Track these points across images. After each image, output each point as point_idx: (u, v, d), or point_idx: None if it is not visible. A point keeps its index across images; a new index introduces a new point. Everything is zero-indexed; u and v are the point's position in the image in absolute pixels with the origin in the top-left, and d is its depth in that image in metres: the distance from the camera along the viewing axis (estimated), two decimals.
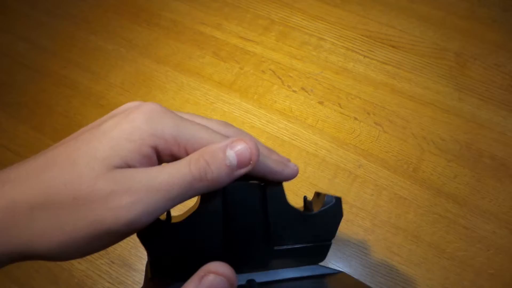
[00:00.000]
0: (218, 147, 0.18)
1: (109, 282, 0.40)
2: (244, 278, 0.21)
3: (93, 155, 0.16)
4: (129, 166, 0.17)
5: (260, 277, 0.22)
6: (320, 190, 0.25)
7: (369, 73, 0.54)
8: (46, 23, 0.62)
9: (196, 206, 0.21)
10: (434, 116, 0.50)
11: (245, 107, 0.52)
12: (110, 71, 0.56)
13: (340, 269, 0.26)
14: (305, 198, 0.25)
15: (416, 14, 0.58)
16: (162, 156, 0.19)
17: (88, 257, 0.42)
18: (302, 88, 0.53)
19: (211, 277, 0.15)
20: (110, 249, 0.42)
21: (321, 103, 0.52)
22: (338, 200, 0.24)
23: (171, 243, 0.20)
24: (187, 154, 0.19)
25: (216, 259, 0.20)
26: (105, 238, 0.17)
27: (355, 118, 0.50)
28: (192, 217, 0.20)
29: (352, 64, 0.55)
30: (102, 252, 0.42)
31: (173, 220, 0.21)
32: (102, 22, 0.61)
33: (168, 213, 0.21)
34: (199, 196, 0.21)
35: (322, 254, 0.25)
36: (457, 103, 0.51)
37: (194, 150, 0.18)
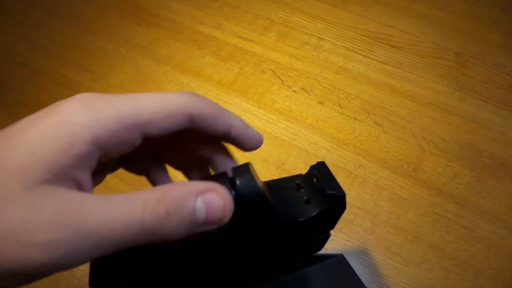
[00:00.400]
0: (188, 193, 0.14)
1: None
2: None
3: (3, 167, 0.12)
4: (59, 177, 0.13)
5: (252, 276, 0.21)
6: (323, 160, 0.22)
7: (369, 73, 0.54)
8: (46, 23, 0.62)
9: None
10: (434, 116, 0.50)
11: (245, 107, 0.52)
12: (110, 71, 0.56)
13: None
14: (300, 186, 0.22)
15: (416, 14, 0.58)
16: (111, 151, 0.15)
17: None
18: (302, 88, 0.53)
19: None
20: None
21: (321, 103, 0.52)
22: (342, 198, 0.21)
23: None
24: (143, 136, 0.15)
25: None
26: (11, 281, 0.12)
27: (355, 118, 0.50)
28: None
29: (352, 64, 0.55)
30: None
31: None
32: (102, 22, 0.61)
33: None
34: None
35: (320, 245, 0.24)
36: (457, 103, 0.51)
37: (152, 125, 0.15)
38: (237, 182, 0.17)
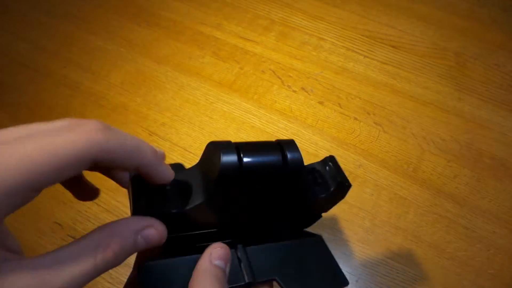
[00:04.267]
0: (128, 235, 0.17)
1: (109, 282, 0.40)
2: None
3: None
4: None
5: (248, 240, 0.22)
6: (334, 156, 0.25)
7: (369, 73, 0.54)
8: (46, 23, 0.62)
9: (200, 191, 0.20)
10: (434, 116, 0.50)
11: (245, 107, 0.52)
12: (110, 71, 0.56)
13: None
14: (314, 168, 0.24)
15: (416, 14, 0.58)
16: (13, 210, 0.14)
17: None
18: (302, 88, 0.53)
19: (217, 249, 0.19)
20: None
21: (321, 103, 0.52)
22: (347, 187, 0.23)
23: (169, 228, 0.19)
24: (40, 191, 0.14)
25: (214, 232, 0.21)
26: None
27: (355, 118, 0.50)
28: (203, 206, 0.19)
29: (352, 64, 0.55)
30: None
31: (174, 202, 0.19)
32: (102, 22, 0.61)
33: (166, 191, 0.20)
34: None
35: (309, 223, 0.25)
36: (457, 103, 0.51)
37: (48, 180, 0.14)
38: (287, 154, 0.21)
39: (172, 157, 0.48)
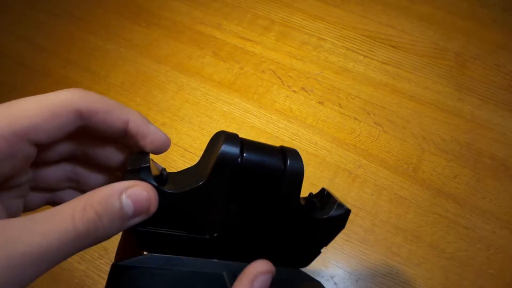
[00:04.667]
0: (112, 194, 0.15)
1: None
2: (223, 265, 0.20)
3: None
4: None
5: (239, 268, 0.20)
6: (327, 188, 0.24)
7: (369, 73, 0.54)
8: (46, 23, 0.62)
9: (199, 175, 0.19)
10: (434, 116, 0.50)
11: (245, 107, 0.52)
12: (110, 71, 0.56)
13: (331, 273, 0.25)
14: (310, 195, 0.23)
15: (416, 14, 0.58)
16: (3, 170, 0.14)
17: (88, 257, 0.42)
18: (302, 88, 0.53)
19: (261, 277, 0.16)
20: (110, 249, 0.42)
21: (321, 103, 0.52)
22: (348, 212, 0.22)
23: (159, 214, 0.18)
24: (33, 143, 0.14)
25: (203, 239, 0.20)
26: None
27: (355, 118, 0.50)
28: (192, 191, 0.18)
29: (352, 64, 0.55)
30: (102, 252, 0.42)
31: (169, 185, 0.18)
32: (102, 22, 0.61)
33: (164, 174, 0.18)
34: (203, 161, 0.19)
35: (308, 261, 0.23)
36: (457, 103, 0.51)
37: (37, 130, 0.14)
38: (289, 160, 0.20)
39: (172, 157, 0.48)
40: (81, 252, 0.43)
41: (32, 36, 0.60)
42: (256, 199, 0.20)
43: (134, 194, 0.15)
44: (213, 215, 0.19)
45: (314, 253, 0.23)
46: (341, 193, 0.45)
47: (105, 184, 0.17)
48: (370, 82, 0.53)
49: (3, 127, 0.13)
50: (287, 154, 0.20)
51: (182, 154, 0.48)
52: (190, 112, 0.51)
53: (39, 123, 0.14)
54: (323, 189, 0.24)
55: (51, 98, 0.15)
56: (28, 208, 0.19)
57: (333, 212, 0.21)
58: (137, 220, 0.15)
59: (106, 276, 0.40)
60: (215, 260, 0.20)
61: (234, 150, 0.18)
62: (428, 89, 0.52)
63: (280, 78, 0.54)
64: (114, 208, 0.14)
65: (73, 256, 0.42)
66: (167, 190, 0.18)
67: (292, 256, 0.23)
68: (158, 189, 0.17)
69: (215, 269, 0.20)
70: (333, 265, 0.41)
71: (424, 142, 0.48)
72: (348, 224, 0.43)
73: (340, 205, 0.22)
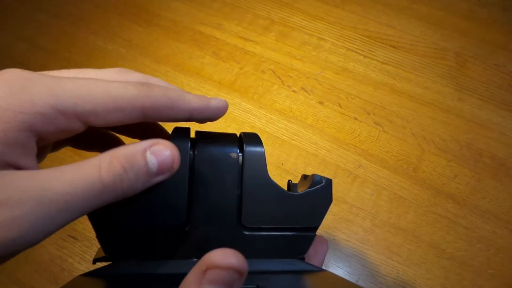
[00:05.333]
0: (136, 150, 0.15)
1: None
2: None
3: None
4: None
5: None
6: (307, 174, 0.23)
7: (369, 73, 0.54)
8: (46, 23, 0.62)
9: None
10: (434, 116, 0.50)
11: (245, 107, 0.52)
12: None
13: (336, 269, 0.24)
14: (289, 182, 0.22)
15: (416, 14, 0.58)
16: (47, 138, 0.14)
17: (88, 257, 0.42)
18: (302, 88, 0.53)
19: (216, 272, 0.12)
20: None
21: (321, 103, 0.52)
22: (328, 182, 0.21)
23: (124, 216, 0.17)
24: (86, 125, 0.15)
25: (176, 238, 0.19)
26: None
27: (355, 118, 0.50)
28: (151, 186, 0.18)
29: (352, 64, 0.55)
30: None
31: None
32: (102, 22, 0.61)
33: None
34: None
35: (303, 247, 0.21)
36: (457, 103, 0.51)
37: (96, 116, 0.14)
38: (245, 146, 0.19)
39: None
40: (81, 252, 0.43)
41: (32, 36, 0.60)
42: (219, 186, 0.19)
43: (157, 150, 0.15)
44: (176, 207, 0.18)
45: (309, 237, 0.21)
46: (341, 193, 0.45)
47: None
48: (370, 82, 0.53)
49: (67, 107, 0.14)
50: (244, 140, 0.20)
51: None
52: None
53: (102, 113, 0.15)
54: (303, 175, 0.23)
55: (119, 92, 0.15)
56: None
57: (313, 184, 0.21)
58: (161, 177, 0.16)
59: None
60: (195, 259, 0.19)
61: (183, 143, 0.19)
62: (428, 89, 0.52)
63: (280, 78, 0.54)
64: (140, 163, 0.15)
65: (73, 256, 0.42)
66: None
67: (285, 244, 0.21)
68: None
69: None
70: (333, 265, 0.41)
71: (424, 142, 0.48)
72: (348, 224, 0.42)
73: (319, 177, 0.21)
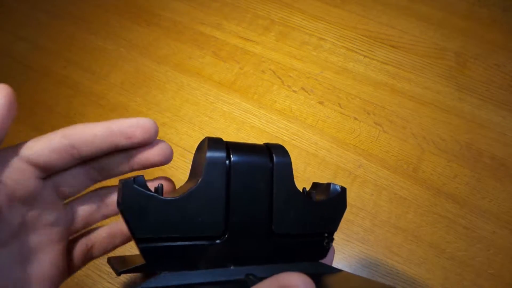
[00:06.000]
0: None
1: (109, 282, 0.40)
2: (242, 271, 0.19)
3: None
4: None
5: (259, 271, 0.20)
6: (317, 182, 0.24)
7: (369, 73, 0.54)
8: (46, 23, 0.62)
9: (193, 182, 0.19)
10: (434, 116, 0.50)
11: (245, 107, 0.52)
12: (110, 71, 0.56)
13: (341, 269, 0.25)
14: (304, 190, 0.23)
15: (416, 14, 0.58)
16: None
17: None
18: (302, 88, 0.53)
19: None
20: None
21: (321, 103, 0.52)
22: (344, 190, 0.23)
23: (161, 223, 0.18)
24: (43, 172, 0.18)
25: (214, 247, 0.19)
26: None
27: (355, 118, 0.50)
28: (191, 194, 0.18)
29: (352, 64, 0.55)
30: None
31: (165, 196, 0.18)
32: (102, 22, 0.61)
33: (160, 188, 0.19)
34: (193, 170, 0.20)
35: (323, 251, 0.23)
36: (457, 103, 0.51)
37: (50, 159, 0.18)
38: (275, 156, 0.21)
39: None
40: None
41: (32, 36, 0.60)
42: (253, 195, 0.20)
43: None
44: (215, 216, 0.19)
45: (328, 240, 0.23)
46: None
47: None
48: (370, 82, 0.53)
49: (24, 155, 0.18)
50: (273, 151, 0.21)
51: (182, 154, 0.48)
52: (190, 112, 0.51)
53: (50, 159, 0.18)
54: (313, 183, 0.25)
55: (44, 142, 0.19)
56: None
57: (331, 193, 0.22)
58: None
59: (106, 276, 0.41)
60: (232, 267, 0.20)
61: (220, 154, 0.19)
62: (428, 89, 0.52)
63: (280, 78, 0.54)
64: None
65: None
66: (165, 198, 0.18)
67: (308, 248, 0.22)
68: (156, 197, 0.18)
69: (234, 276, 0.19)
70: (333, 265, 0.41)
71: (424, 142, 0.48)
72: (348, 224, 0.42)
73: (334, 186, 0.22)
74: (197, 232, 0.19)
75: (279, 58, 0.56)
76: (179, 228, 0.18)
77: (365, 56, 0.55)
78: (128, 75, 0.55)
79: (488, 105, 0.50)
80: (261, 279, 0.18)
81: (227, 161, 0.19)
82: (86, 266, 0.42)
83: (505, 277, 0.40)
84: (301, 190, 0.23)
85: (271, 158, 0.21)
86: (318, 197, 0.23)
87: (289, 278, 0.13)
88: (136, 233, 0.17)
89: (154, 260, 0.18)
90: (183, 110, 0.52)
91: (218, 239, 0.19)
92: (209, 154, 0.19)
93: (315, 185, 0.25)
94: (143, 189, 0.17)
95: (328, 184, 0.23)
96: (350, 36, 0.57)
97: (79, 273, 0.41)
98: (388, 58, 0.55)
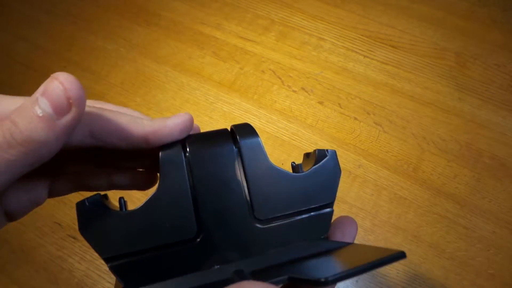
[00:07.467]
0: (30, 99, 0.14)
1: (109, 282, 0.40)
2: (229, 269, 0.18)
3: None
4: None
5: (250, 265, 0.18)
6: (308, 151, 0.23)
7: (369, 73, 0.54)
8: (46, 23, 0.62)
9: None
10: (434, 116, 0.50)
11: (245, 107, 0.52)
12: (110, 71, 0.56)
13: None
14: (292, 164, 0.21)
15: (416, 14, 0.58)
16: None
17: (88, 257, 0.42)
18: (302, 88, 0.53)
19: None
20: None
21: (321, 103, 0.52)
22: (333, 153, 0.20)
23: (126, 238, 0.17)
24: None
25: (192, 249, 0.18)
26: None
27: (355, 118, 0.50)
28: (152, 201, 0.17)
29: (352, 64, 0.55)
30: None
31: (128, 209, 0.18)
32: (102, 22, 0.61)
33: (122, 201, 0.18)
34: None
35: (324, 226, 0.20)
36: (457, 103, 0.51)
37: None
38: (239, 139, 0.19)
39: None
40: (81, 252, 0.43)
41: (32, 36, 0.60)
42: (223, 185, 0.19)
43: (48, 90, 0.14)
44: (184, 218, 0.18)
45: (327, 214, 0.20)
46: (341, 193, 0.45)
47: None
48: (370, 82, 0.53)
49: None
50: (236, 132, 0.19)
51: None
52: (190, 112, 0.51)
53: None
54: (304, 154, 0.22)
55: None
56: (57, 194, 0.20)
57: (318, 160, 0.20)
58: (68, 119, 0.14)
59: (106, 276, 0.41)
60: (216, 266, 0.18)
61: (174, 150, 0.18)
62: (428, 89, 0.52)
63: (280, 78, 0.54)
64: (29, 110, 0.13)
65: (73, 256, 0.42)
66: (126, 211, 0.17)
67: (305, 227, 0.20)
68: (115, 213, 0.17)
69: (220, 276, 0.17)
70: None
71: (424, 142, 0.48)
72: None
73: (322, 151, 0.20)
74: (169, 238, 0.17)
75: (279, 58, 0.56)
76: (148, 238, 0.17)
77: (365, 56, 0.55)
78: (128, 75, 0.55)
79: (488, 105, 0.50)
80: (251, 275, 0.17)
81: (183, 157, 0.18)
82: (86, 266, 0.42)
83: (505, 277, 0.40)
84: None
85: (235, 141, 0.19)
86: (306, 168, 0.20)
87: None
88: (101, 254, 0.17)
89: (130, 278, 0.17)
90: (183, 110, 0.52)
91: (193, 241, 0.18)
92: (162, 154, 0.18)
93: (306, 156, 0.22)
94: (98, 208, 0.17)
95: (315, 151, 0.20)
96: (350, 36, 0.57)
97: (79, 273, 0.41)
98: (388, 58, 0.55)
